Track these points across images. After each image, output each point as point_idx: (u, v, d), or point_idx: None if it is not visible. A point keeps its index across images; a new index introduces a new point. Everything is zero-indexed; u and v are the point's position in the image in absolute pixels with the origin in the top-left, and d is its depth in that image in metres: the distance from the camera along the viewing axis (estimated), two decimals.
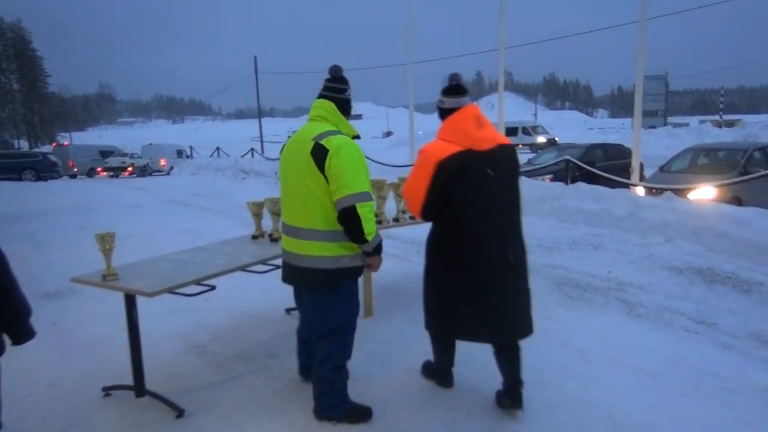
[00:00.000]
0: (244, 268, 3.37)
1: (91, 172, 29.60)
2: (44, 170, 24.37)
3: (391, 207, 4.74)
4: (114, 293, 3.06)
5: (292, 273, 2.86)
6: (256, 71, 37.96)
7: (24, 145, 58.41)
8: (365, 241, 2.64)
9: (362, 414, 2.92)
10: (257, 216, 4.14)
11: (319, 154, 2.59)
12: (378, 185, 4.53)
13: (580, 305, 4.64)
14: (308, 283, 2.81)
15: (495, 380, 3.12)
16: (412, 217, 4.72)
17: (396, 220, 4.65)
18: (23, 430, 2.93)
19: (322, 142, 2.61)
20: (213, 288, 3.15)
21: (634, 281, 5.22)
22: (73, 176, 28.59)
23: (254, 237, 4.13)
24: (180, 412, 3.01)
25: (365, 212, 2.58)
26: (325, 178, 2.60)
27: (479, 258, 2.76)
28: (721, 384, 3.23)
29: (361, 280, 4.48)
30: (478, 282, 2.77)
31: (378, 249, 2.76)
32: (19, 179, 22.89)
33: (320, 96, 2.85)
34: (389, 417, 2.94)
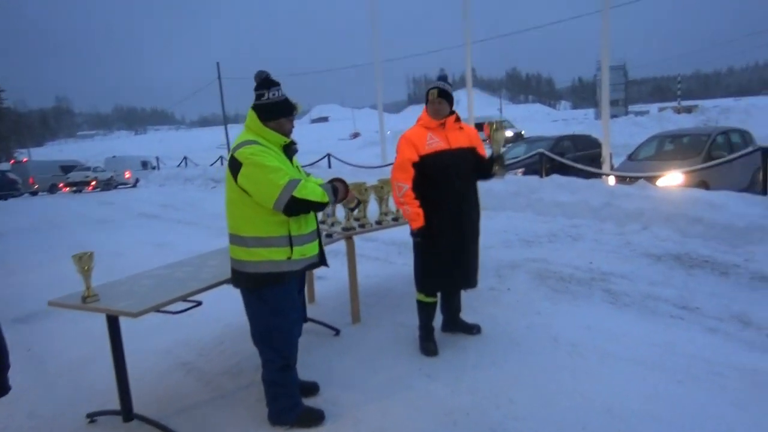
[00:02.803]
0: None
1: (52, 189, 28.62)
2: (3, 188, 23.61)
3: (373, 209, 4.67)
4: (91, 314, 2.93)
5: (231, 274, 2.94)
6: (219, 77, 37.45)
7: None
8: (326, 204, 2.78)
9: (315, 418, 2.94)
10: None
11: (233, 166, 2.66)
12: (359, 188, 4.46)
13: (566, 298, 4.65)
14: (236, 285, 2.89)
15: (494, 380, 3.09)
16: (394, 219, 4.67)
17: (378, 222, 4.59)
18: None
19: (235, 154, 2.66)
20: (199, 303, 3.06)
21: (616, 271, 5.26)
22: (35, 193, 27.66)
23: None
24: None
25: (303, 193, 2.62)
26: (241, 189, 2.65)
27: None
28: (712, 368, 3.26)
29: (346, 287, 4.45)
30: None
31: (336, 195, 2.92)
32: None
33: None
34: (387, 425, 2.90)
